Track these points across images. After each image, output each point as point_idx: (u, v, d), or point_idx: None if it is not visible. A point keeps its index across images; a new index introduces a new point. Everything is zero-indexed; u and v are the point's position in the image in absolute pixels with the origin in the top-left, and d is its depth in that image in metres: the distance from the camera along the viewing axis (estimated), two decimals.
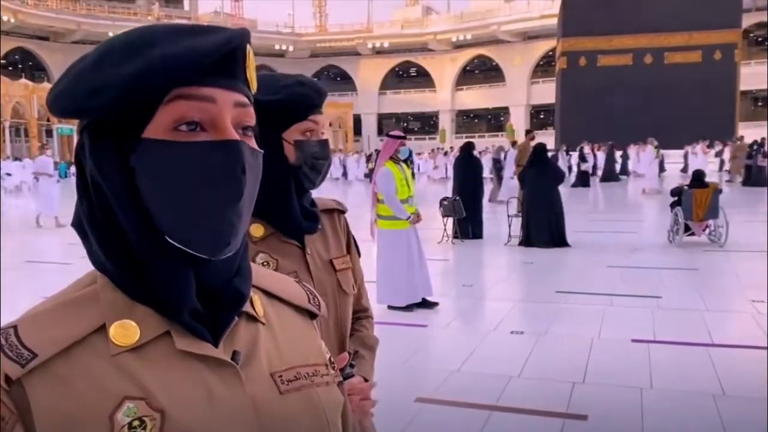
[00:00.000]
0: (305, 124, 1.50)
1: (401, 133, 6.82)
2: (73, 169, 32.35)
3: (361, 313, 1.71)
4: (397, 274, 6.65)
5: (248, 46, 0.78)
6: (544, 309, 6.81)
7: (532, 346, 5.49)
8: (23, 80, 45.78)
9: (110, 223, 0.74)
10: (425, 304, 6.80)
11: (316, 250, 1.57)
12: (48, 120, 46.58)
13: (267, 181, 1.44)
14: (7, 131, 43.60)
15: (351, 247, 1.70)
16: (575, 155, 26.95)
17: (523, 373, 4.85)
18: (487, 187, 14.85)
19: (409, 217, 6.54)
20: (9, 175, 29.39)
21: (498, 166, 18.99)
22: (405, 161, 6.83)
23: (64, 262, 10.16)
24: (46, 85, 47.36)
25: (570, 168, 26.38)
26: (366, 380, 1.52)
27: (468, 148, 12.03)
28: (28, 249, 11.50)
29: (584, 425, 3.97)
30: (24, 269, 9.59)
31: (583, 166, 24.20)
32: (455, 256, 10.32)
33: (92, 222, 0.76)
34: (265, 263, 1.48)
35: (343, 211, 1.71)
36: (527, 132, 15.83)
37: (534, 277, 8.81)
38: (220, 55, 0.73)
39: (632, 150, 28.44)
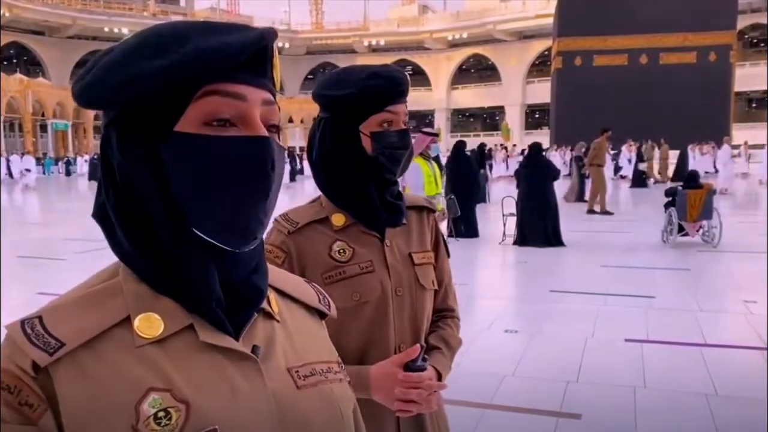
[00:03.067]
0: (382, 116, 1.50)
1: (434, 131, 6.79)
2: (59, 166, 31.40)
3: (447, 312, 1.70)
4: None
5: (274, 46, 0.79)
6: (538, 308, 6.83)
7: (526, 345, 5.50)
8: (18, 75, 45.71)
9: (137, 214, 0.76)
10: None
11: (396, 242, 1.57)
12: (42, 115, 46.50)
13: (346, 173, 1.46)
14: (1, 126, 43.45)
15: (439, 245, 1.70)
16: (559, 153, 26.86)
17: (516, 372, 4.86)
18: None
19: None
20: (28, 170, 28.78)
21: (580, 164, 18.48)
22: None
23: (59, 257, 10.15)
24: (41, 80, 47.34)
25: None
26: (439, 375, 1.51)
27: (459, 147, 12.03)
28: (21, 244, 11.45)
29: (577, 424, 3.99)
30: (17, 265, 9.55)
31: (641, 166, 23.68)
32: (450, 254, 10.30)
33: (119, 214, 0.77)
34: (341, 251, 1.50)
35: (432, 210, 1.71)
36: (603, 130, 15.42)
37: (528, 276, 8.83)
38: (252, 52, 0.75)
39: (694, 150, 28.01)
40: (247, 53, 0.74)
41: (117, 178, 0.76)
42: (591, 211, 15.02)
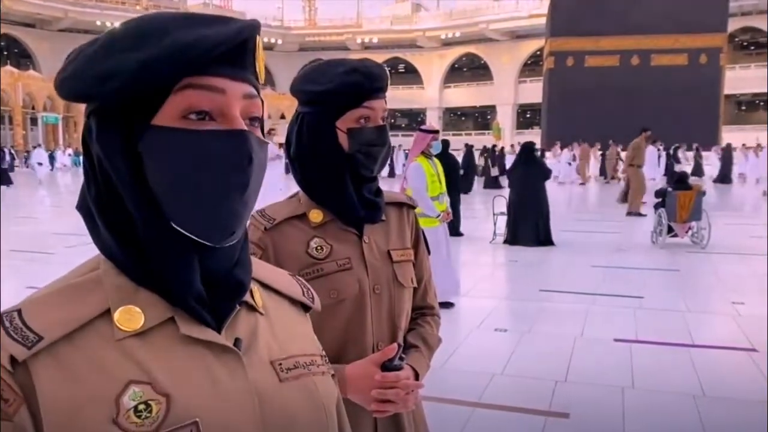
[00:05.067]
0: (359, 111, 1.47)
1: (434, 127, 6.63)
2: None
3: (427, 310, 1.69)
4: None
5: (258, 38, 0.79)
6: (527, 307, 6.85)
7: (515, 344, 5.52)
8: (8, 67, 45.28)
9: (117, 206, 0.75)
10: (444, 304, 6.61)
11: (375, 239, 1.55)
12: (33, 108, 46.16)
13: (323, 170, 1.44)
14: None
15: (419, 242, 1.68)
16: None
17: (506, 371, 4.88)
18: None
19: (439, 215, 6.29)
20: (40, 164, 28.27)
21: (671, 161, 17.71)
22: (438, 156, 6.60)
23: (48, 251, 10.10)
24: (32, 73, 46.93)
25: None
26: (417, 374, 1.50)
27: (443, 145, 11.96)
28: (11, 237, 11.38)
29: (566, 423, 4.01)
30: (7, 258, 9.49)
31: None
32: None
33: (100, 205, 0.76)
34: (318, 248, 1.48)
35: (412, 206, 1.69)
36: (642, 130, 14.89)
37: (518, 275, 8.85)
38: (230, 45, 0.74)
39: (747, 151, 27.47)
40: (224, 47, 0.73)
41: (96, 170, 0.76)
42: (630, 214, 14.42)
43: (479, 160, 26.12)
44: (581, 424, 4.01)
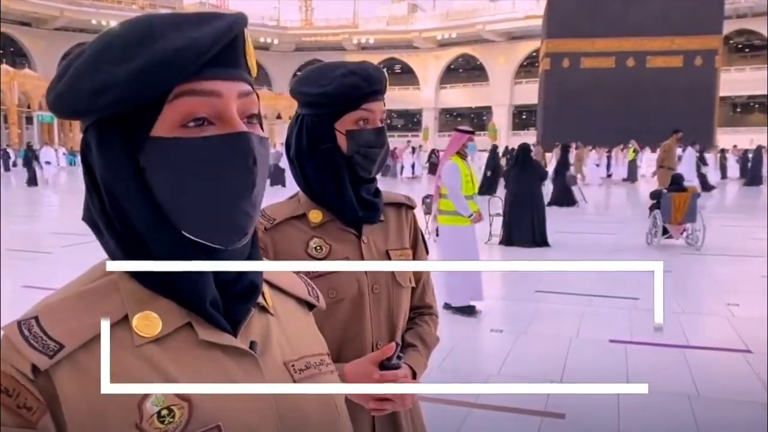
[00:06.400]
0: (358, 114, 1.48)
1: (470, 128, 6.64)
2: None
3: (425, 310, 1.70)
4: (455, 273, 6.36)
5: (246, 32, 0.78)
6: (523, 308, 6.86)
7: (512, 345, 5.54)
8: (4, 66, 45.09)
9: (123, 219, 0.75)
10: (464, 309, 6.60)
11: (373, 239, 1.57)
12: (28, 107, 46.05)
13: (322, 171, 1.46)
14: None
15: (417, 242, 1.70)
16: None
17: (502, 371, 4.89)
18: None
19: (472, 215, 6.28)
20: (48, 163, 27.83)
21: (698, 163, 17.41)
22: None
23: (45, 251, 10.08)
24: (28, 72, 46.81)
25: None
26: (414, 373, 1.52)
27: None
28: (9, 237, 11.35)
29: (561, 424, 4.02)
30: (6, 258, 9.46)
31: (704, 169, 22.93)
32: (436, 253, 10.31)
33: (105, 219, 0.76)
34: (318, 248, 1.50)
35: (411, 207, 1.70)
36: (674, 131, 14.78)
37: (514, 276, 8.85)
38: (221, 45, 0.73)
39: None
40: (217, 48, 0.72)
41: (99, 183, 0.75)
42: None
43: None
44: (577, 424, 4.02)
